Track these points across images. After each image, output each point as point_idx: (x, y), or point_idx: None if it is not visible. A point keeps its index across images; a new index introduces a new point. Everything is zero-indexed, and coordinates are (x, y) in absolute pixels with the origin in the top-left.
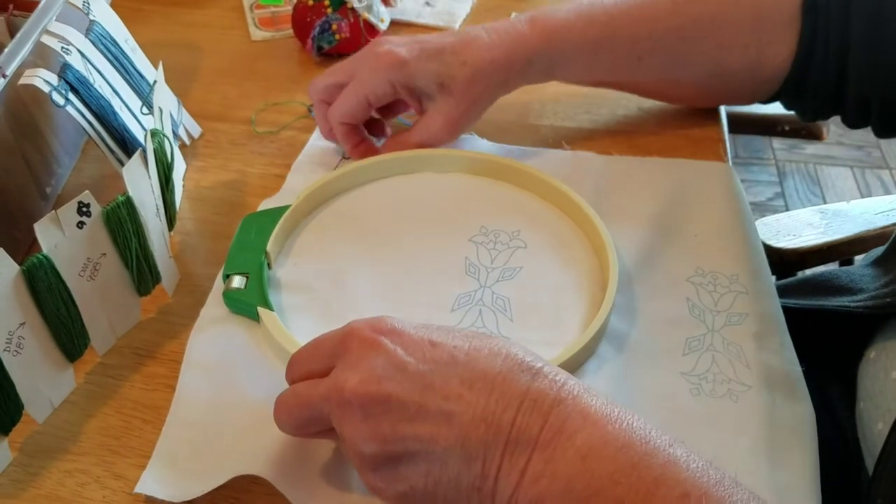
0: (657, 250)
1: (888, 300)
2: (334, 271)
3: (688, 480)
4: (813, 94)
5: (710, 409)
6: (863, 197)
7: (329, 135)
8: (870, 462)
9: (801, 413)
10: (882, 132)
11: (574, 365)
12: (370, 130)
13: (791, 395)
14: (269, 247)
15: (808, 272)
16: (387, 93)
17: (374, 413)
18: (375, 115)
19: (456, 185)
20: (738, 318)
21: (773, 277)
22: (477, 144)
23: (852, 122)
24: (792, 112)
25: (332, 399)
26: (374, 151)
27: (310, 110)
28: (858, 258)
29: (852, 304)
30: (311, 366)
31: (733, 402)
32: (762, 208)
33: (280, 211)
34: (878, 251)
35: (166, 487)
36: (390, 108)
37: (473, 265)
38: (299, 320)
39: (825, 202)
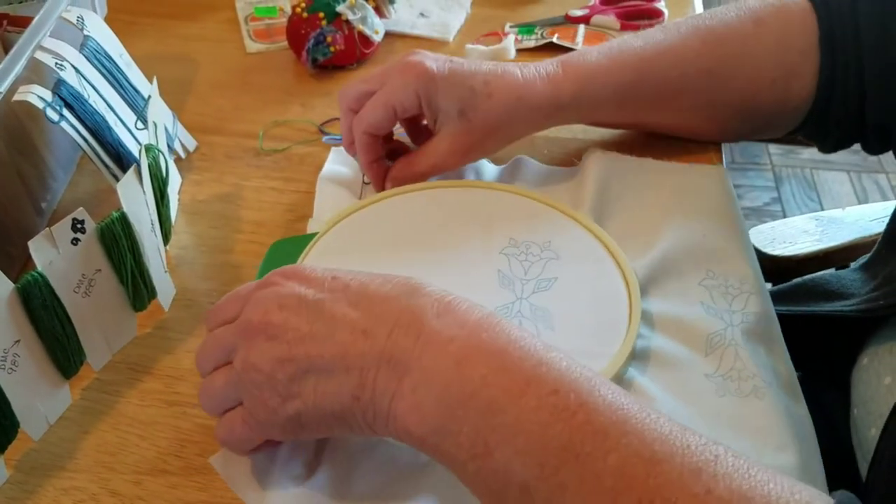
0: (668, 255)
1: (881, 303)
2: None
3: (558, 379)
4: (836, 124)
5: (738, 408)
6: (860, 202)
7: (350, 147)
8: (864, 468)
9: (804, 415)
10: None
11: (620, 377)
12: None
13: (795, 397)
14: None
15: (801, 279)
16: (413, 104)
17: (274, 335)
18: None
19: (477, 199)
20: (752, 317)
21: (769, 284)
22: (483, 167)
23: (873, 149)
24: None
25: (240, 331)
26: (386, 171)
27: (321, 131)
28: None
29: (846, 309)
30: (228, 313)
31: (759, 400)
32: (759, 213)
33: (307, 238)
34: (868, 255)
35: (229, 471)
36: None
37: (507, 277)
38: None
39: (822, 207)
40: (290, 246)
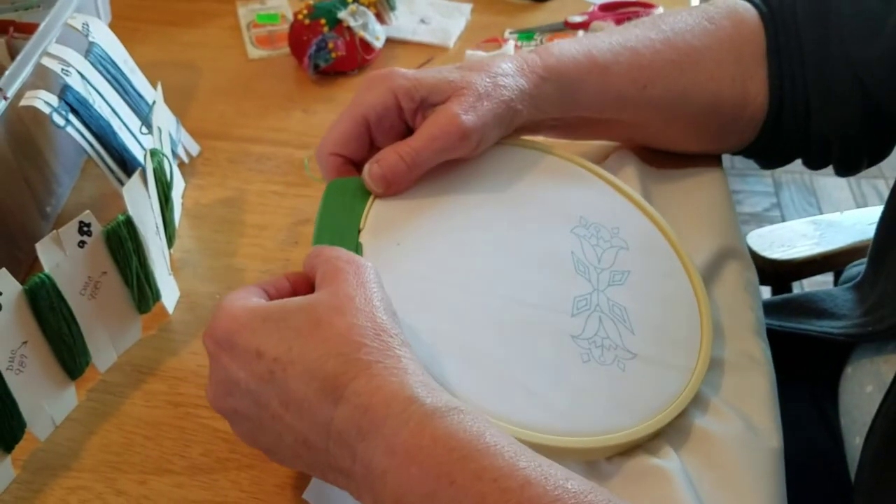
0: (707, 260)
1: (869, 329)
2: (441, 259)
3: None
4: (785, 136)
5: None
6: (858, 207)
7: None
8: (853, 478)
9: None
10: (843, 172)
11: (692, 394)
12: None
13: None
14: (363, 235)
15: (792, 293)
16: (388, 106)
17: (232, 420)
18: None
19: (545, 163)
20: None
21: (768, 289)
22: None
23: (814, 163)
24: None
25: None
26: None
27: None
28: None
29: (835, 331)
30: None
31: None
32: (758, 219)
33: (365, 190)
34: (859, 270)
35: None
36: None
37: (581, 262)
38: (418, 314)
39: (821, 213)
40: (349, 192)
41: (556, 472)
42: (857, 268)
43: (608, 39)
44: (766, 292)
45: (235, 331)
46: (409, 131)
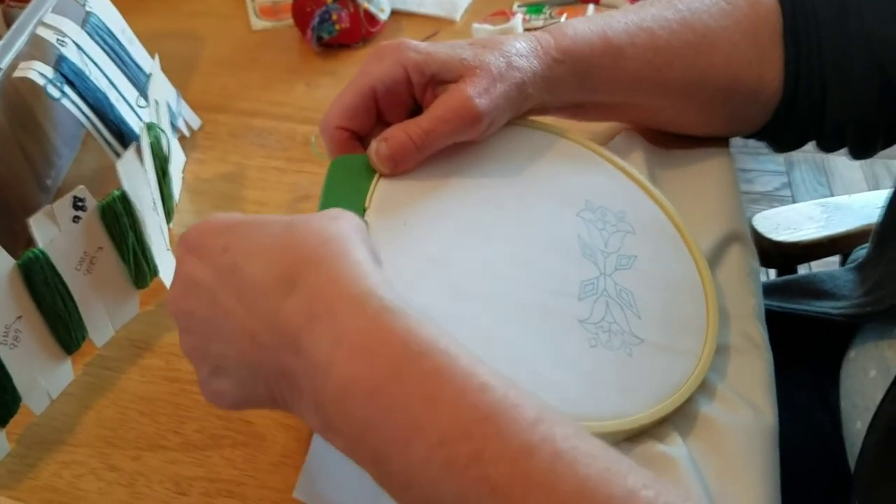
0: (711, 245)
1: (868, 309)
2: (448, 241)
3: (450, 422)
4: (798, 120)
5: None
6: (870, 188)
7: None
8: (852, 461)
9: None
10: (857, 155)
11: (699, 380)
12: None
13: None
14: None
15: (794, 275)
16: (397, 79)
17: (185, 327)
18: None
19: (558, 149)
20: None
21: (773, 271)
22: None
23: (828, 147)
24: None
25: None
26: None
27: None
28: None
29: (834, 312)
30: None
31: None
32: (769, 198)
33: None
34: (862, 253)
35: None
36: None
37: (588, 246)
38: (422, 293)
39: (832, 193)
40: (354, 170)
41: (518, 385)
42: (863, 251)
43: (623, 19)
44: (771, 275)
45: (209, 234)
46: (416, 105)
